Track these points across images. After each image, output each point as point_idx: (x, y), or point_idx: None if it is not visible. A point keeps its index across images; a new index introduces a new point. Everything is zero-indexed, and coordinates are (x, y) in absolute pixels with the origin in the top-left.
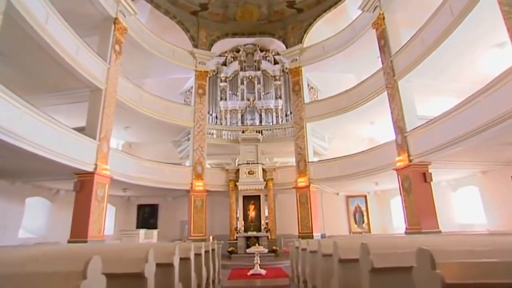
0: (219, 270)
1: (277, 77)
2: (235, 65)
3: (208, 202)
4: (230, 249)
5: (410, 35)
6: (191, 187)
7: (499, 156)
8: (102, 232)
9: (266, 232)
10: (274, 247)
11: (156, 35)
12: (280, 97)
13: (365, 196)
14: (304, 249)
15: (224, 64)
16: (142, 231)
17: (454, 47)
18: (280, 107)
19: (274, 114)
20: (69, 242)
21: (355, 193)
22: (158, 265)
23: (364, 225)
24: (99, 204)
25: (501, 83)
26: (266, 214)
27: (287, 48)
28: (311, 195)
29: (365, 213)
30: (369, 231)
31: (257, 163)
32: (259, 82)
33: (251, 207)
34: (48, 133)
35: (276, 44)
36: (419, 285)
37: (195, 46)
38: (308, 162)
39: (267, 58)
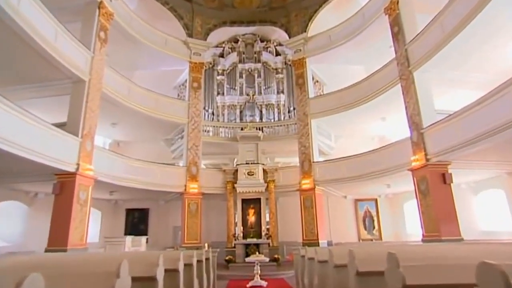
0: (214, 282)
1: (279, 70)
2: (233, 57)
3: (204, 206)
4: (227, 258)
5: (426, 21)
6: (185, 189)
7: None
8: (84, 239)
9: (267, 239)
10: (276, 256)
11: (146, 22)
12: (283, 92)
13: (376, 200)
14: (311, 259)
15: (221, 55)
16: (128, 238)
17: (477, 34)
18: (282, 102)
19: (275, 110)
20: (46, 251)
21: (364, 196)
22: (136, 279)
23: (374, 231)
24: (82, 208)
25: None
26: (267, 219)
27: (290, 37)
28: (316, 198)
29: (375, 218)
30: (380, 238)
31: (257, 163)
32: (259, 75)
33: (251, 211)
34: (23, 129)
35: (278, 34)
36: None
37: (190, 35)
38: (313, 162)
39: (268, 49)
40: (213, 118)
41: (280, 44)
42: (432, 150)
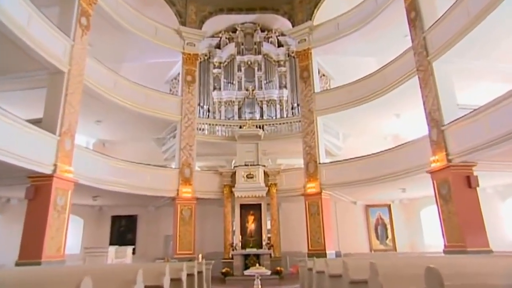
0: None
1: (282, 62)
2: (231, 48)
3: (198, 212)
4: (224, 271)
5: (447, 5)
6: (177, 194)
7: None
8: (62, 250)
9: (269, 249)
10: (278, 268)
11: (134, 9)
12: (285, 86)
13: (389, 206)
14: (321, 272)
15: (218, 46)
16: (112, 249)
17: (508, 17)
18: (285, 98)
19: (278, 106)
20: (17, 264)
21: (376, 201)
22: None
23: (387, 241)
24: (59, 216)
25: None
26: (269, 227)
27: (293, 26)
28: (323, 204)
29: (389, 227)
30: (394, 249)
31: (258, 164)
32: (259, 69)
33: (250, 218)
34: None
35: (280, 22)
36: None
37: (183, 23)
38: (320, 163)
39: (270, 39)
40: (208, 115)
41: (282, 34)
42: (455, 149)
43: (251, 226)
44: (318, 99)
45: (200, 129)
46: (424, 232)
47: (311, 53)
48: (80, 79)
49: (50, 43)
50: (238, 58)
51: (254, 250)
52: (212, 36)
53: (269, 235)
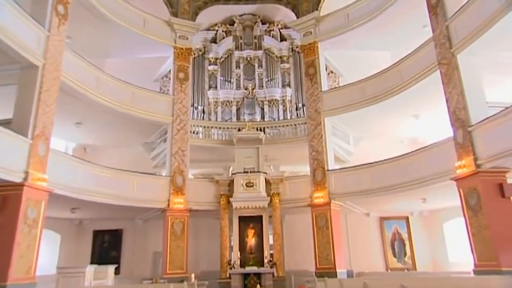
0: None
1: (285, 58)
2: (229, 42)
3: (191, 225)
4: None
5: None
6: (168, 204)
7: None
8: (33, 271)
9: (271, 267)
10: None
11: None
12: (289, 85)
13: (407, 218)
14: None
15: (214, 41)
16: (90, 269)
17: None
18: (288, 97)
19: (280, 106)
20: None
21: (392, 213)
22: None
23: (406, 258)
24: (30, 231)
25: None
26: (271, 242)
27: (298, 17)
28: (332, 216)
29: (407, 242)
30: (414, 267)
31: (258, 171)
32: (260, 65)
33: (250, 232)
34: None
35: (283, 14)
36: None
37: (174, 14)
38: (328, 170)
39: (271, 32)
40: (203, 117)
41: (285, 27)
42: (484, 153)
43: (251, 241)
44: (325, 98)
45: (194, 132)
46: (448, 248)
47: (317, 47)
48: (56, 74)
49: (22, 34)
50: (237, 53)
51: (254, 269)
52: (207, 29)
53: (271, 252)
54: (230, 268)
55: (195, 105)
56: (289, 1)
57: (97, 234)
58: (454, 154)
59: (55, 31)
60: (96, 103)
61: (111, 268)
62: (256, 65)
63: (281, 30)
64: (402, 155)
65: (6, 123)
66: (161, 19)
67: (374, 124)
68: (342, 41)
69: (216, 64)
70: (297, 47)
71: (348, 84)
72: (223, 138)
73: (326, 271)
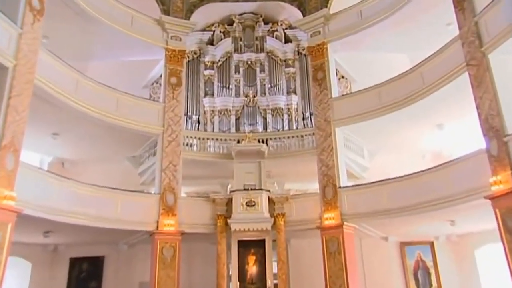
0: None
1: (290, 61)
2: (227, 44)
3: (184, 251)
4: None
5: None
6: (157, 227)
7: None
8: None
9: None
10: None
11: None
12: (295, 91)
13: (432, 244)
14: None
15: (211, 42)
16: None
17: None
18: (294, 105)
19: (285, 116)
20: None
21: (415, 238)
22: None
23: None
24: None
25: None
26: (275, 270)
27: (305, 16)
28: (345, 240)
29: (432, 271)
30: None
31: (261, 189)
32: (262, 70)
33: (251, 258)
34: None
35: (288, 12)
36: None
37: (166, 12)
38: (340, 187)
39: (275, 33)
40: (198, 127)
41: (291, 27)
42: None
43: (252, 269)
44: (336, 106)
45: (187, 145)
46: (482, 279)
47: (327, 48)
48: (29, 77)
49: None
50: (236, 56)
51: None
52: (203, 30)
53: (275, 282)
54: None
55: (189, 114)
56: None
57: (75, 262)
58: (487, 169)
59: (29, 29)
60: (75, 110)
61: None
62: (258, 69)
63: (285, 31)
64: (426, 169)
65: None
66: (151, 17)
67: (392, 135)
68: (355, 42)
69: (212, 69)
70: (303, 49)
71: (362, 89)
72: (221, 151)
73: None
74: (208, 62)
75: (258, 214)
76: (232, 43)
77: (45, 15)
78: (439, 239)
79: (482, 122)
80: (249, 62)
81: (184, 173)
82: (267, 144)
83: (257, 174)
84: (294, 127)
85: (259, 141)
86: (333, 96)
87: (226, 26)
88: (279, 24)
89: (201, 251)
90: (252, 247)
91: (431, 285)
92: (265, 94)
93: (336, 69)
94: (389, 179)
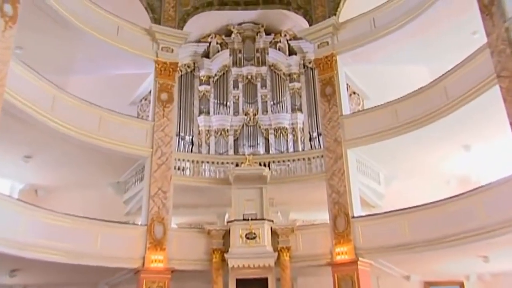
0: None
1: (295, 76)
2: (225, 57)
3: None
4: None
5: None
6: (143, 264)
7: None
8: None
9: None
10: None
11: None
12: (300, 109)
13: (462, 284)
14: None
15: (206, 55)
16: None
17: None
18: (300, 124)
19: (290, 136)
20: None
21: (442, 276)
22: None
23: None
24: None
25: None
26: None
27: (311, 25)
28: (360, 279)
29: None
30: None
31: (262, 219)
32: (264, 85)
33: None
34: None
35: (292, 21)
36: None
37: (156, 21)
38: (353, 217)
39: (278, 44)
40: (192, 149)
41: (295, 37)
42: None
43: None
44: (347, 124)
45: (179, 168)
46: None
47: (336, 60)
48: None
49: None
50: (234, 70)
51: None
52: (198, 41)
53: None
54: None
55: (181, 134)
56: (300, 5)
57: None
58: None
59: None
60: (51, 130)
61: None
62: (259, 84)
63: (289, 42)
64: (454, 196)
65: None
66: (140, 26)
67: (411, 158)
68: (367, 53)
69: (208, 84)
70: (310, 62)
71: (377, 106)
72: (217, 176)
73: None
74: (203, 76)
75: (260, 248)
76: (230, 55)
77: (19, 23)
78: (469, 279)
79: None
80: (249, 77)
81: (175, 201)
82: (269, 168)
83: (259, 202)
84: (300, 149)
85: (260, 165)
86: (343, 113)
87: (223, 37)
88: (282, 34)
89: None
90: (252, 286)
91: None
92: (267, 112)
93: (347, 84)
94: (411, 207)
